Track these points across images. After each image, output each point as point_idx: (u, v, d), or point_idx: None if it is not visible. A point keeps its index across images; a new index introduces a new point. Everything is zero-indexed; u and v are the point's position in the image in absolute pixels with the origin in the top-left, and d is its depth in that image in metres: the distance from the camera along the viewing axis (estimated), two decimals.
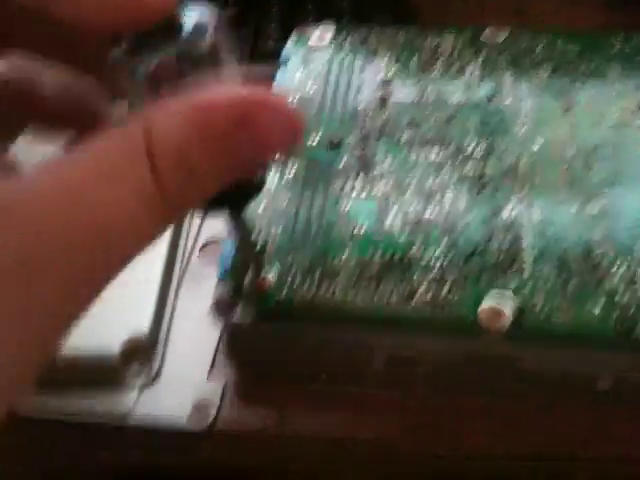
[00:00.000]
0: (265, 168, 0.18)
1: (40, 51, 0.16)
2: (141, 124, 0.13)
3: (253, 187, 0.19)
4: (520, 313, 0.22)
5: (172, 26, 0.15)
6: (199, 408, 0.23)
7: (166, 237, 0.27)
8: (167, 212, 0.14)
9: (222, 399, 0.23)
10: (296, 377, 0.24)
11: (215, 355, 0.24)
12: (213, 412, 0.22)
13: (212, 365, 0.24)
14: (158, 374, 0.23)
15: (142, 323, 0.24)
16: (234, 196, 0.18)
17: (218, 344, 0.25)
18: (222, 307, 0.23)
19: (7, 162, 0.16)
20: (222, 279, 0.24)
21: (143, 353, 0.24)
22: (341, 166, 0.26)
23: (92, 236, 0.13)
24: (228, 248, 0.24)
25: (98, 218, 0.13)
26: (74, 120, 0.18)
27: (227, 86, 0.15)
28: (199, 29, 0.15)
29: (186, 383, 0.23)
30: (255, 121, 0.14)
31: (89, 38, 0.15)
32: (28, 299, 0.12)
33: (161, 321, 0.25)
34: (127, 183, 0.13)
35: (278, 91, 0.26)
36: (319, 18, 0.32)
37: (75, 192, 0.13)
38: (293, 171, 0.26)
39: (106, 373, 0.23)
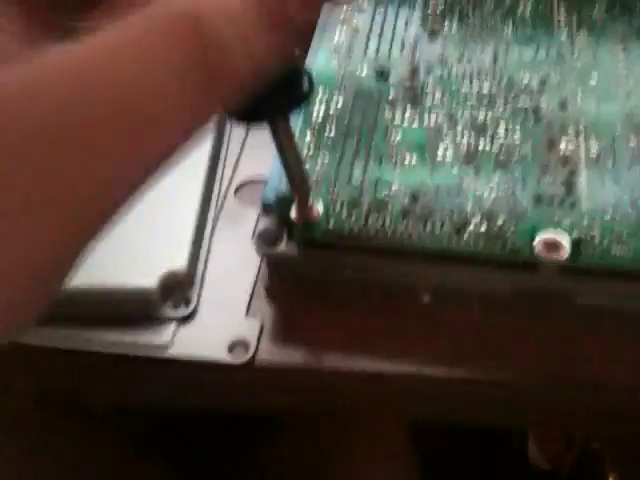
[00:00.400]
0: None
1: None
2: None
3: (302, 92, 0.18)
4: (577, 245, 0.21)
5: None
6: (237, 343, 0.22)
7: (201, 177, 0.26)
8: (212, 91, 0.13)
9: (260, 335, 0.22)
10: (339, 310, 0.23)
11: (253, 292, 0.24)
12: (252, 348, 0.22)
13: (250, 301, 0.23)
14: (196, 309, 0.23)
15: (180, 259, 0.23)
16: (283, 100, 0.18)
17: (256, 281, 0.24)
18: (267, 238, 0.22)
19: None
20: (266, 211, 0.23)
21: (181, 288, 0.23)
22: (390, 97, 0.25)
23: (127, 116, 0.12)
24: (273, 179, 0.23)
25: (132, 95, 0.12)
26: None
27: None
28: None
29: (224, 319, 0.23)
30: None
31: None
32: (55, 179, 0.12)
33: (198, 257, 0.24)
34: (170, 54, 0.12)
35: None
36: None
37: (109, 65, 0.12)
38: (341, 100, 0.25)
39: (145, 307, 0.23)
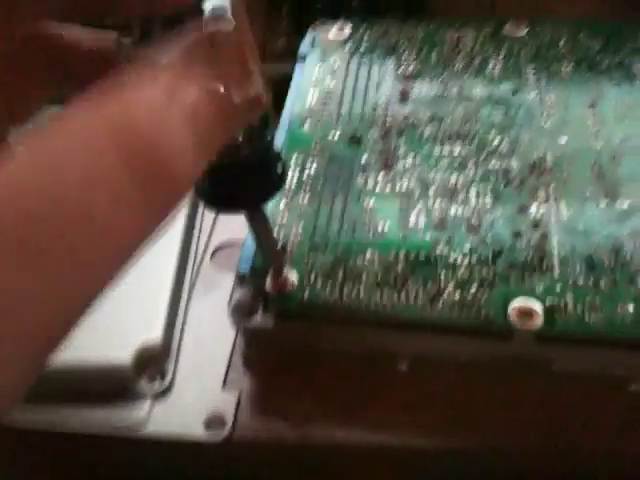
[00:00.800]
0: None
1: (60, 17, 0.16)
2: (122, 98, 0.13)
3: (273, 184, 0.18)
4: (551, 313, 0.21)
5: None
6: (214, 419, 0.22)
7: (177, 242, 0.26)
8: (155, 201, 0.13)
9: (237, 408, 0.22)
10: (317, 381, 0.23)
11: (229, 363, 0.23)
12: (229, 423, 0.22)
13: (226, 372, 0.23)
14: (172, 383, 0.23)
15: (154, 332, 0.23)
16: (254, 194, 0.18)
17: (232, 351, 0.24)
18: (242, 310, 0.22)
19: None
20: (241, 281, 0.23)
21: (156, 362, 0.23)
22: (363, 162, 0.25)
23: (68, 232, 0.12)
24: (247, 250, 0.23)
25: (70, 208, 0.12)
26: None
27: None
28: (218, 11, 0.15)
29: (200, 392, 0.23)
30: None
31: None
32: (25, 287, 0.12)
33: (173, 329, 0.24)
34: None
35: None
36: (329, 17, 0.32)
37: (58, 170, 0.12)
38: (314, 167, 0.25)
39: (119, 384, 0.22)
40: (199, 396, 0.22)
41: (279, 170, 0.18)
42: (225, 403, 0.22)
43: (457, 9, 0.35)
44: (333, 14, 0.33)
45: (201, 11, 0.15)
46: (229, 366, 0.23)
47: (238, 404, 0.22)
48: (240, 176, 0.17)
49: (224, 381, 0.23)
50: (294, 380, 0.23)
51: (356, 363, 0.23)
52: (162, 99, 0.13)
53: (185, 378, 0.23)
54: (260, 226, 0.20)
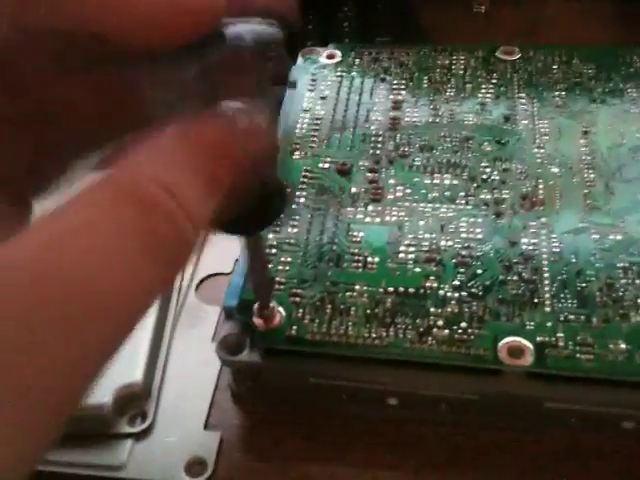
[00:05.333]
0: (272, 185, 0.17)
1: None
2: (127, 171, 0.13)
3: (277, 211, 0.18)
4: (542, 350, 0.21)
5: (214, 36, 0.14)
6: (195, 461, 0.21)
7: None
8: (166, 262, 0.13)
9: (219, 450, 0.22)
10: (303, 419, 0.23)
11: (212, 403, 0.23)
12: (210, 466, 0.21)
13: (209, 411, 0.23)
14: (153, 424, 0.22)
15: (135, 369, 0.23)
16: (258, 220, 0.17)
17: (215, 390, 0.23)
18: (229, 346, 0.22)
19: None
20: (228, 316, 0.23)
21: (137, 401, 0.22)
22: (352, 192, 0.25)
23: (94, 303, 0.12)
24: (234, 283, 0.23)
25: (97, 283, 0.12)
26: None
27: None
28: (239, 40, 0.14)
29: (182, 433, 0.22)
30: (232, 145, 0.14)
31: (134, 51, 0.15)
32: (32, 372, 0.11)
33: (155, 367, 0.23)
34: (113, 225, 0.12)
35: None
36: (321, 41, 0.31)
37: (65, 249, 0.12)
38: (303, 196, 0.25)
39: (98, 423, 0.22)
40: (181, 437, 0.22)
41: (283, 197, 0.18)
42: (207, 445, 0.22)
43: (450, 33, 0.35)
44: (324, 38, 0.33)
45: (223, 38, 0.14)
46: (211, 406, 0.23)
47: (220, 445, 0.22)
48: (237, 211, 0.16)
49: (206, 422, 0.22)
50: (279, 418, 0.22)
51: (344, 401, 0.22)
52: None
53: (166, 418, 0.22)
54: (256, 251, 0.20)
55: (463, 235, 0.24)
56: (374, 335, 0.21)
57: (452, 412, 0.22)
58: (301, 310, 0.22)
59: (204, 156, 0.13)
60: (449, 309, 0.22)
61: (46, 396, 0.12)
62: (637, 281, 0.22)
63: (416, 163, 0.26)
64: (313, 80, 0.29)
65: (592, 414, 0.21)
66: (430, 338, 0.21)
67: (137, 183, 0.12)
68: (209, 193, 0.13)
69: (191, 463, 0.21)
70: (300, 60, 0.30)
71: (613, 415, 0.21)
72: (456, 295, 0.22)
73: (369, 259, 0.23)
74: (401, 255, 0.23)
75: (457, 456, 0.22)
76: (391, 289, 0.22)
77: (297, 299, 0.22)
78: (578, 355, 0.21)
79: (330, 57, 0.30)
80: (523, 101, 0.28)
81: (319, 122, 0.28)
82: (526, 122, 0.27)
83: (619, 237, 0.23)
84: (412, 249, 0.23)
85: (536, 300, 0.22)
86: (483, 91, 0.28)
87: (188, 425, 0.22)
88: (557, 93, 0.28)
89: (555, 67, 0.29)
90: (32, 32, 0.14)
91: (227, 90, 0.14)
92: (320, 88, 0.29)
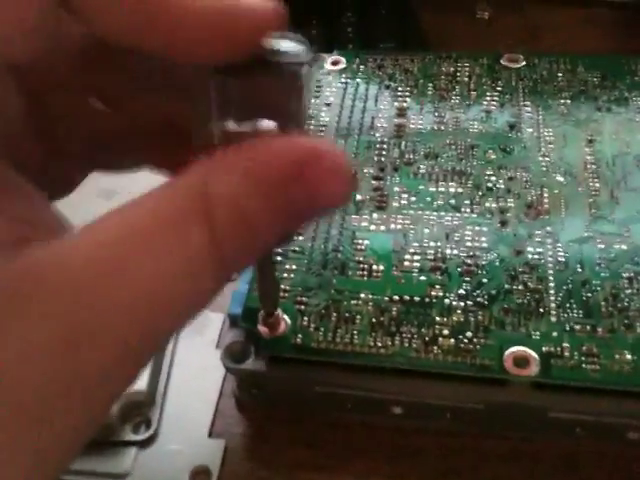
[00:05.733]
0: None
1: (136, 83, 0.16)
2: (198, 182, 0.13)
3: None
4: (547, 360, 0.21)
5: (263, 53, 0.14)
6: (200, 469, 0.21)
7: None
8: (223, 274, 0.13)
9: (224, 458, 0.22)
10: (307, 427, 0.23)
11: (216, 410, 0.23)
12: (215, 473, 0.21)
13: (213, 419, 0.23)
14: (157, 432, 0.22)
15: (140, 378, 0.23)
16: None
17: (219, 398, 0.23)
18: (233, 354, 0.22)
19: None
20: (233, 323, 0.23)
21: (141, 409, 0.22)
22: (357, 199, 0.25)
23: (142, 309, 0.12)
24: (239, 291, 0.23)
25: (147, 288, 0.12)
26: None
27: (282, 136, 0.14)
28: (292, 58, 0.14)
29: (186, 441, 0.22)
30: (311, 174, 0.13)
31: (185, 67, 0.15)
32: (73, 374, 0.12)
33: (159, 375, 0.23)
34: (182, 248, 0.12)
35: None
36: (324, 47, 0.31)
37: (123, 259, 0.12)
38: None
39: (103, 431, 0.22)
40: (185, 445, 0.22)
41: None
42: (211, 453, 0.21)
43: (452, 39, 0.35)
44: (327, 43, 0.33)
45: (270, 54, 0.14)
46: (216, 414, 0.23)
47: (225, 453, 0.22)
48: None
49: (210, 429, 0.22)
50: (283, 426, 0.22)
51: (349, 409, 0.22)
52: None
53: (171, 426, 0.22)
54: (266, 259, 0.20)
55: (468, 244, 0.24)
56: (379, 344, 0.21)
57: (456, 421, 0.22)
58: (306, 318, 0.22)
59: (282, 196, 0.13)
60: (454, 318, 0.22)
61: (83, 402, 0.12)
62: None
63: (421, 171, 0.26)
64: (318, 87, 0.29)
65: (597, 424, 0.21)
66: (435, 347, 0.21)
67: (211, 205, 0.12)
68: (276, 223, 0.13)
69: (195, 472, 0.21)
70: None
71: (618, 425, 0.21)
72: (461, 304, 0.22)
73: (374, 267, 0.23)
74: (406, 263, 0.23)
75: (459, 466, 0.21)
76: (396, 297, 0.22)
77: (302, 307, 0.22)
78: (584, 365, 0.21)
79: (335, 63, 0.30)
80: (528, 109, 0.28)
81: (324, 129, 0.28)
82: (531, 130, 0.27)
83: (624, 247, 0.23)
84: (417, 257, 0.23)
85: (541, 310, 0.22)
86: (488, 99, 0.28)
87: (192, 433, 0.22)
88: (562, 101, 0.28)
89: (560, 75, 0.29)
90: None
91: (267, 109, 0.14)
92: (325, 94, 0.29)
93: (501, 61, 0.30)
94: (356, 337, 0.22)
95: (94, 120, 0.17)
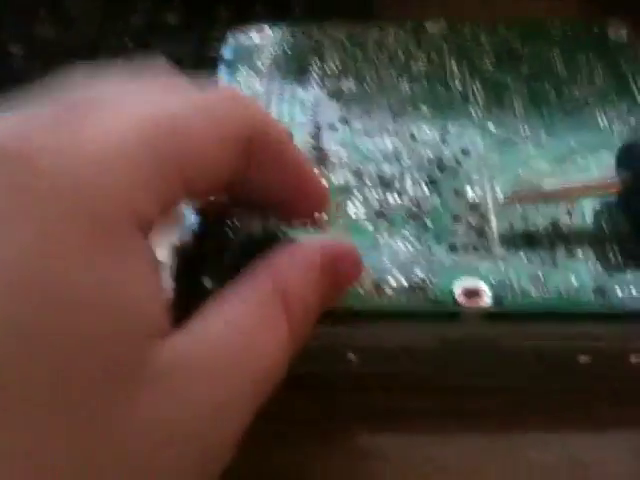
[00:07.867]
0: None
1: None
2: (280, 287, 0.17)
3: None
4: (497, 291, 0.21)
5: None
6: None
7: None
8: (293, 351, 0.17)
9: None
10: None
11: None
12: None
13: None
14: None
15: None
16: None
17: None
18: None
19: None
20: None
21: None
22: None
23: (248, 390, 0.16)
24: None
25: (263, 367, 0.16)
26: None
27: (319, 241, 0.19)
28: None
29: None
30: (341, 267, 0.18)
31: None
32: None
33: None
34: (276, 341, 0.16)
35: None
36: (269, 20, 0.31)
37: (242, 350, 0.15)
38: None
39: None
40: None
41: None
42: None
43: (405, 12, 0.34)
44: (273, 18, 0.32)
45: None
46: None
47: None
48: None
49: None
50: None
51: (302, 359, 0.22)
52: None
53: None
54: None
55: (410, 192, 0.24)
56: None
57: (413, 363, 0.22)
58: None
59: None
60: (403, 260, 0.22)
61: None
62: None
63: (356, 127, 0.26)
64: (245, 57, 0.29)
65: (550, 351, 0.21)
66: (387, 289, 0.21)
67: (288, 302, 0.17)
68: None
69: None
70: (230, 39, 0.30)
71: (571, 349, 0.21)
72: (410, 248, 0.22)
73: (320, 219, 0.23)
74: (352, 213, 0.23)
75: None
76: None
77: None
78: (532, 293, 0.21)
79: (260, 34, 0.30)
80: (454, 68, 0.29)
81: (257, 97, 0.28)
82: (459, 86, 0.28)
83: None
84: (361, 208, 0.23)
85: (486, 244, 0.22)
86: (415, 61, 0.29)
87: None
88: (485, 62, 0.29)
89: (482, 39, 0.30)
90: None
91: None
92: (253, 64, 0.29)
93: (425, 27, 0.31)
94: None
95: None
